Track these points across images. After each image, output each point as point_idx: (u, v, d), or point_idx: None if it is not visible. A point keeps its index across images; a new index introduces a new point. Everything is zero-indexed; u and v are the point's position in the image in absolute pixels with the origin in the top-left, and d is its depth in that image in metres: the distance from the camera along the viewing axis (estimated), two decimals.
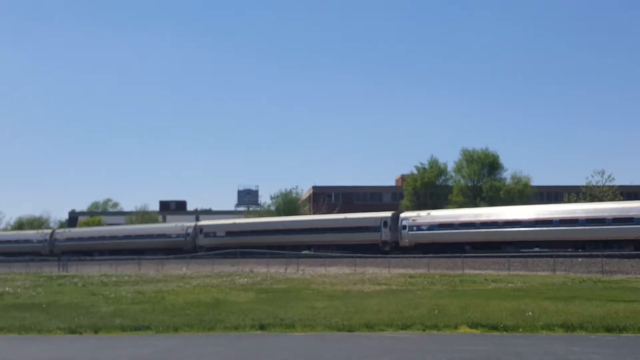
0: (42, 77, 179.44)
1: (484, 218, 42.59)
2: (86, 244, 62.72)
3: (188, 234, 56.62)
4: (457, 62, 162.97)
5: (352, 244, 46.55)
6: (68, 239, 64.28)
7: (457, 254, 37.91)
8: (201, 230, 56.46)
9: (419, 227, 44.55)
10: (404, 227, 45.05)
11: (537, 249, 39.24)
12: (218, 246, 51.55)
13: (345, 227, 48.80)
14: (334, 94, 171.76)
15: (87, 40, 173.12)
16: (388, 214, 48.09)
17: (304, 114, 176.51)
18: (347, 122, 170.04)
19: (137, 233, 61.00)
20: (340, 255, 42.04)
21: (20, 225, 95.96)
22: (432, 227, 44.09)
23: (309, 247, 47.78)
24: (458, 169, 63.82)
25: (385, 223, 46.95)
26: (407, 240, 44.69)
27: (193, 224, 59.31)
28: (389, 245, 45.96)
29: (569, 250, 38.25)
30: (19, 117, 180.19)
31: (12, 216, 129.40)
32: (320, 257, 42.08)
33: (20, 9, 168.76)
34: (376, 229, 47.21)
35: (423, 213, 46.38)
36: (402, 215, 46.53)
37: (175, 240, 56.68)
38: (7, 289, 27.18)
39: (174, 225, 61.21)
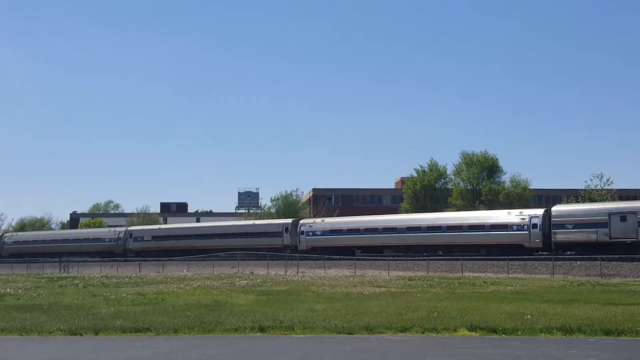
0: (44, 78, 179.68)
1: (367, 225, 46.29)
2: (30, 247, 65.47)
3: (120, 238, 59.92)
4: (458, 64, 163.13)
5: (259, 247, 49.38)
6: (15, 242, 67.56)
7: (458, 256, 37.95)
8: (131, 235, 59.58)
9: (314, 233, 48.13)
10: (302, 232, 48.44)
11: (411, 253, 42.57)
12: (145, 249, 56.56)
13: (254, 232, 52.96)
14: (334, 96, 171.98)
15: (89, 42, 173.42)
16: (289, 220, 52.54)
17: (305, 116, 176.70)
18: (347, 125, 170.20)
19: (73, 237, 65.22)
20: (340, 257, 42.10)
21: (22, 226, 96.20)
22: (324, 232, 47.74)
23: (223, 251, 50.23)
24: (457, 172, 63.92)
25: (287, 229, 50.63)
26: (304, 244, 47.92)
27: (124, 229, 62.35)
28: (290, 249, 48.99)
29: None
30: (21, 119, 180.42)
31: (14, 217, 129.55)
32: (320, 259, 42.14)
33: (19, 10, 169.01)
34: (279, 234, 50.96)
35: (319, 220, 50.89)
36: (301, 221, 50.34)
37: (108, 244, 60.17)
38: (8, 290, 27.28)
39: (107, 230, 65.92)
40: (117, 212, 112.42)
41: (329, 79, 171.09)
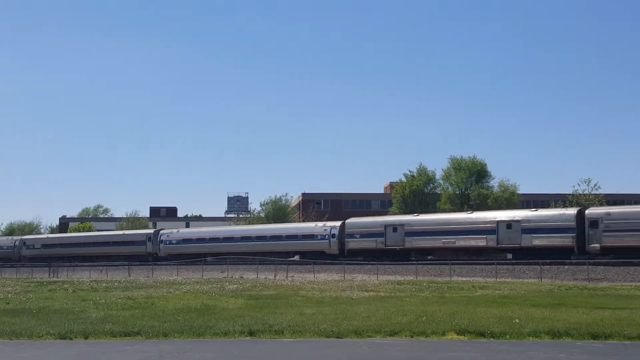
0: (33, 81, 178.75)
1: (212, 235, 53.89)
2: None
3: (15, 246, 66.36)
4: (446, 70, 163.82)
5: (127, 254, 55.59)
6: None
7: (445, 261, 38.13)
8: (24, 243, 66.15)
9: (170, 242, 54.68)
10: (162, 241, 54.93)
11: (251, 257, 46.95)
12: (36, 256, 63.10)
13: (123, 240, 60.15)
14: (323, 100, 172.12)
15: (80, 46, 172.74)
16: (151, 230, 61.06)
17: (294, 121, 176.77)
18: (337, 130, 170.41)
19: None
20: (330, 262, 42.18)
21: (11, 231, 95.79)
22: (179, 241, 54.54)
23: (98, 257, 57.68)
24: (446, 177, 64.20)
25: (150, 238, 56.78)
26: (163, 252, 54.37)
27: (20, 237, 69.66)
28: (152, 257, 54.81)
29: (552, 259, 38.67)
30: (9, 123, 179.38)
31: (2, 222, 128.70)
32: (308, 263, 42.18)
33: (14, 14, 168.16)
34: (142, 242, 57.23)
35: (175, 230, 58.02)
36: (162, 231, 57.15)
37: (6, 252, 66.51)
38: None
39: (5, 238, 74.53)
40: (106, 216, 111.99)
41: (318, 83, 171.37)
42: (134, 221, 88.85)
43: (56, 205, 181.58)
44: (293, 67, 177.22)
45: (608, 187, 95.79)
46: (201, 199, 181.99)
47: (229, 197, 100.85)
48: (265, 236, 50.52)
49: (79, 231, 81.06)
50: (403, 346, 12.10)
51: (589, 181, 58.01)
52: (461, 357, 10.75)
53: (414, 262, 39.22)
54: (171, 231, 57.09)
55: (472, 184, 62.51)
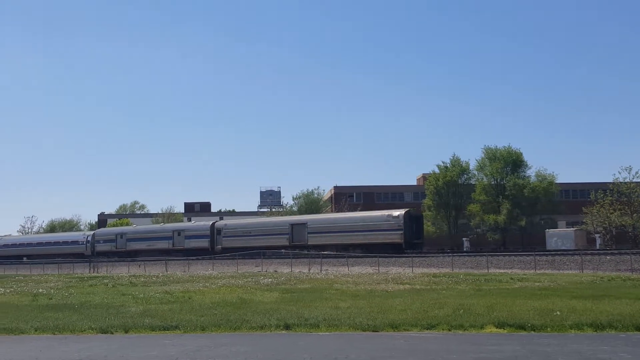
0: (70, 82, 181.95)
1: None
2: None
3: None
4: (480, 59, 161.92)
5: (66, 253, 63.56)
6: None
7: (482, 253, 37.71)
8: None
9: (104, 241, 64.55)
10: (97, 241, 65.26)
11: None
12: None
13: (62, 241, 69.57)
14: (355, 93, 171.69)
15: (115, 46, 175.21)
16: (91, 232, 70.23)
17: (327, 115, 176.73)
18: (368, 122, 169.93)
19: None
20: (364, 255, 42.07)
21: (52, 227, 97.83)
22: (106, 241, 64.37)
23: (42, 256, 63.75)
24: (480, 167, 63.48)
25: (88, 239, 66.54)
26: (97, 249, 64.53)
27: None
28: (88, 255, 63.45)
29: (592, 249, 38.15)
30: (51, 125, 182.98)
31: (44, 219, 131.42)
32: (343, 256, 42.15)
33: (46, 13, 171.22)
34: (82, 243, 66.94)
35: (106, 230, 71.91)
36: (96, 232, 68.89)
37: None
38: (41, 290, 27.76)
39: None
40: (142, 212, 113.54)
41: (350, 77, 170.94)
42: (169, 217, 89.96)
43: (95, 202, 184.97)
44: (326, 61, 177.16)
45: None
46: (234, 193, 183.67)
47: (261, 192, 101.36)
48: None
49: (117, 227, 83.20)
50: (441, 339, 11.97)
51: (630, 169, 56.71)
52: (501, 350, 10.57)
53: (450, 254, 38.90)
54: (108, 231, 70.47)
55: (507, 174, 61.67)
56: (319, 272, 37.35)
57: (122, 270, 47.95)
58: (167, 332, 13.54)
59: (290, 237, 50.56)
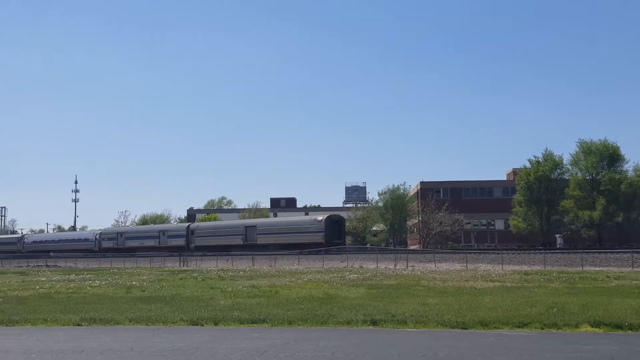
0: (157, 83, 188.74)
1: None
2: None
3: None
4: (573, 50, 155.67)
5: (77, 249, 75.32)
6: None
7: (576, 250, 36.32)
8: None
9: (33, 242, 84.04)
10: (25, 242, 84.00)
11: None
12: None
13: (74, 239, 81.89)
14: (442, 86, 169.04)
15: (199, 44, 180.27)
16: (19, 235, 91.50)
17: (413, 109, 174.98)
18: (456, 116, 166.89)
19: None
20: (451, 251, 41.41)
21: (144, 221, 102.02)
22: (34, 242, 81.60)
23: (49, 252, 77.18)
24: (574, 162, 61.10)
25: (19, 239, 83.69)
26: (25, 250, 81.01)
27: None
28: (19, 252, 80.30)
29: None
30: (142, 124, 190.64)
31: (136, 214, 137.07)
32: (429, 252, 41.65)
33: (129, 12, 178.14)
34: (15, 243, 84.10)
35: (31, 233, 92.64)
36: (25, 234, 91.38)
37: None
38: (134, 282, 28.85)
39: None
40: (229, 207, 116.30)
41: (437, 68, 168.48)
42: (255, 212, 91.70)
43: (185, 197, 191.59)
44: (411, 55, 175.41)
45: None
46: (320, 189, 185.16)
47: (346, 187, 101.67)
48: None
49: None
50: (533, 338, 11.57)
51: None
52: (597, 350, 10.10)
53: (542, 251, 37.70)
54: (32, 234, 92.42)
55: (603, 168, 59.03)
56: (405, 268, 37.03)
57: (211, 265, 49.28)
58: (255, 325, 13.75)
59: (244, 237, 60.45)
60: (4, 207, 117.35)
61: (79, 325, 14.31)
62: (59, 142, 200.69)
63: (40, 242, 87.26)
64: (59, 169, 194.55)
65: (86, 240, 79.13)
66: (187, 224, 70.49)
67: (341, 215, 63.85)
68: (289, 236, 56.77)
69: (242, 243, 59.75)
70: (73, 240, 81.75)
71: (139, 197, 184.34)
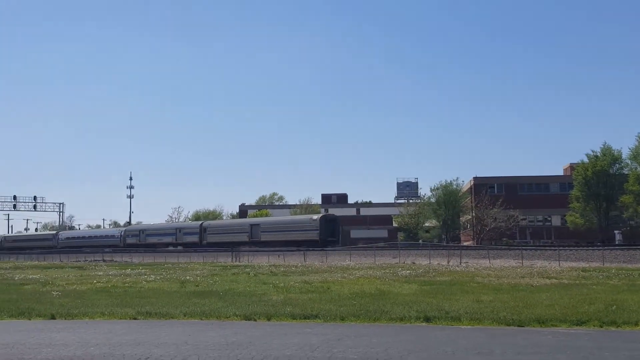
0: (209, 77, 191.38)
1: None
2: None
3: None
4: (632, 41, 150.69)
5: (104, 245, 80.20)
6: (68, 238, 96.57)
7: (636, 246, 35.20)
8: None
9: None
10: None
11: None
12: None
13: (102, 235, 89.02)
14: (496, 80, 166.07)
15: (248, 43, 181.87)
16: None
17: (464, 103, 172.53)
18: (510, 109, 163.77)
19: None
20: (506, 247, 40.70)
21: (196, 217, 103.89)
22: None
23: (82, 247, 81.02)
24: (634, 156, 59.13)
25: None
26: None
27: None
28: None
29: None
30: (196, 123, 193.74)
31: (189, 210, 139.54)
32: (483, 249, 41.05)
33: (193, 19, 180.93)
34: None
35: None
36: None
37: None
38: (188, 277, 29.31)
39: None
40: (281, 203, 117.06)
41: (491, 63, 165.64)
42: (306, 208, 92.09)
43: (237, 193, 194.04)
44: (465, 46, 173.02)
45: None
46: (371, 185, 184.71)
47: (398, 183, 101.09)
48: None
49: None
50: (592, 336, 11.25)
51: None
52: None
53: (600, 248, 36.69)
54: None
55: None
56: (458, 265, 36.59)
57: (263, 260, 49.72)
58: (307, 321, 13.78)
59: (249, 234, 65.39)
60: (62, 203, 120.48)
61: (135, 319, 14.58)
62: (115, 140, 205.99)
63: (72, 238, 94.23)
64: (115, 167, 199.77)
65: (112, 236, 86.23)
66: (200, 222, 77.77)
67: (335, 215, 69.63)
68: (288, 234, 61.42)
69: (247, 240, 64.54)
70: (101, 236, 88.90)
71: (192, 194, 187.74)
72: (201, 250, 62.27)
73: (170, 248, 70.60)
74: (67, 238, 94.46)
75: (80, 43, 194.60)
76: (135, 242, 79.21)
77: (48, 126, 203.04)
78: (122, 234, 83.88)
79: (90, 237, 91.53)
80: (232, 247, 59.61)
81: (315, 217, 62.69)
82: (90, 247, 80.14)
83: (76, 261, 63.62)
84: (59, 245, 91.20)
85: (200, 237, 70.64)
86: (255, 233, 65.36)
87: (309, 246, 52.98)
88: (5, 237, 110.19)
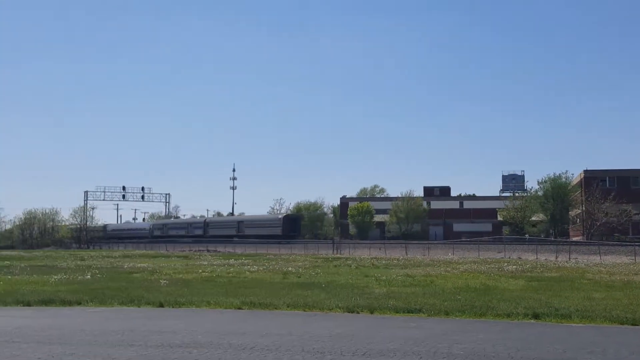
0: (309, 76, 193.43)
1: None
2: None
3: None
4: None
5: (136, 236, 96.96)
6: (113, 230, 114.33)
7: None
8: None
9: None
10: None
11: None
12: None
13: (136, 228, 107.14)
14: (603, 67, 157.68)
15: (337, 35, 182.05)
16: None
17: (572, 92, 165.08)
18: (619, 96, 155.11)
19: None
20: (618, 243, 38.75)
21: (298, 209, 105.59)
22: None
23: (122, 238, 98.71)
24: None
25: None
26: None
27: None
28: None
29: None
30: (295, 116, 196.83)
31: (291, 202, 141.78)
32: (594, 244, 39.25)
33: (293, 16, 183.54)
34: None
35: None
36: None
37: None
38: (290, 268, 29.82)
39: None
40: (382, 196, 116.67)
41: (595, 49, 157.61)
42: (408, 200, 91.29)
43: (339, 185, 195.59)
44: (562, 38, 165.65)
45: None
46: (475, 177, 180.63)
47: (503, 176, 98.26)
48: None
49: (358, 210, 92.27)
50: None
51: None
52: None
53: None
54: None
55: None
56: (567, 261, 35.18)
57: (364, 253, 49.84)
58: (410, 314, 13.66)
59: (237, 228, 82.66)
60: (169, 194, 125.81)
61: (239, 308, 14.91)
62: (220, 133, 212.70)
63: (115, 230, 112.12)
64: (220, 158, 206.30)
65: (143, 229, 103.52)
66: (204, 219, 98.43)
67: (298, 214, 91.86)
68: (261, 229, 77.52)
69: (236, 233, 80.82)
70: (135, 229, 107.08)
71: (294, 185, 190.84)
72: (307, 242, 69.68)
73: (184, 239, 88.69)
74: (113, 230, 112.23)
75: (181, 37, 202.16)
76: (160, 234, 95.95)
77: (157, 119, 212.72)
78: (151, 227, 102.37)
79: (127, 229, 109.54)
80: (228, 239, 76.86)
81: (280, 216, 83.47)
82: (128, 238, 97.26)
83: (181, 251, 66.86)
84: (106, 235, 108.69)
85: (204, 231, 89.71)
86: (241, 228, 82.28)
87: (275, 239, 67.61)
88: (106, 225, 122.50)
